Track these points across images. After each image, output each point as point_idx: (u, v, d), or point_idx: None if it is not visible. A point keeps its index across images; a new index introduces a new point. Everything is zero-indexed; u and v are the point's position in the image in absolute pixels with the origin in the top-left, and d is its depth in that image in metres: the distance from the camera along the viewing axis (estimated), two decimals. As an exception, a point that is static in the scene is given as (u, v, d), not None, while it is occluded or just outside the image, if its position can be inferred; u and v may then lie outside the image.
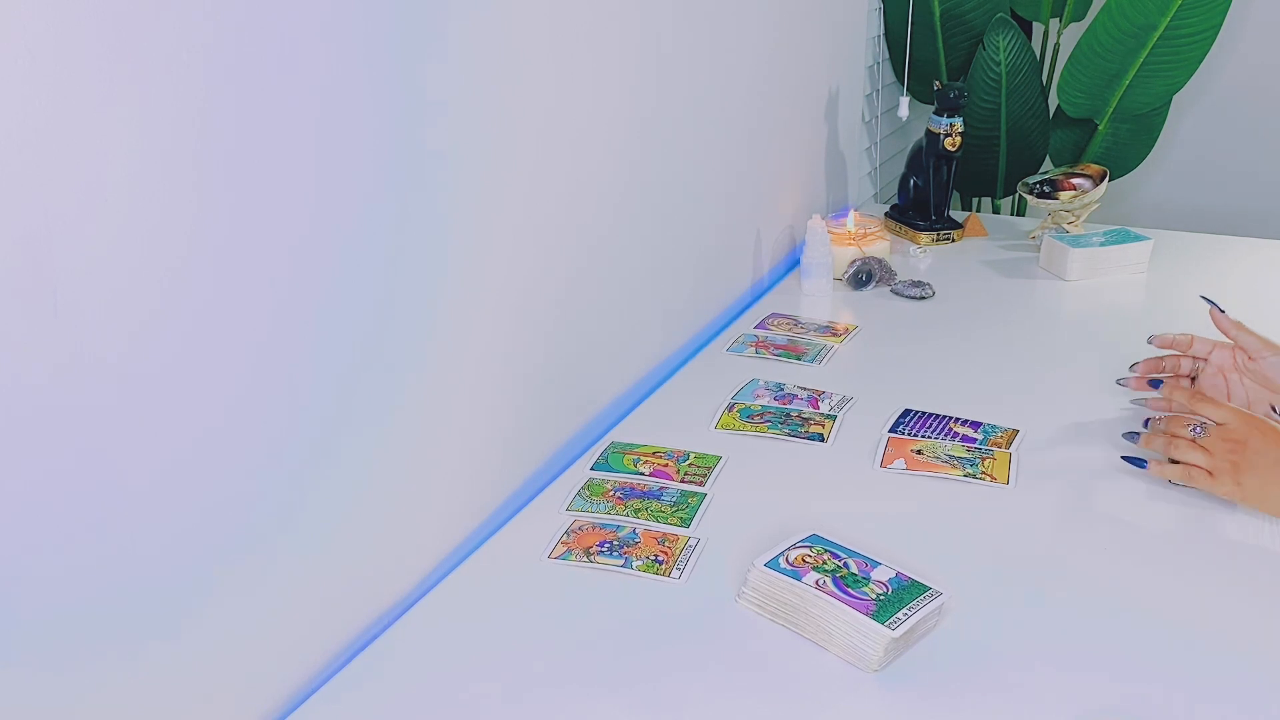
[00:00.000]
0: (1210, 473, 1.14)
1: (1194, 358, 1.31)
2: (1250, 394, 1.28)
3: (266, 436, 0.89)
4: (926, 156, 1.99)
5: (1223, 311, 1.30)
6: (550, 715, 0.92)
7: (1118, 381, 1.34)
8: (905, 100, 2.12)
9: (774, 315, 1.71)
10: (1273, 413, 1.21)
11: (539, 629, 1.02)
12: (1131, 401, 1.37)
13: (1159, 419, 1.21)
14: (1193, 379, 1.31)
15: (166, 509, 0.80)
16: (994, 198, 2.46)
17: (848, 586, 0.99)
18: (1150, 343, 1.34)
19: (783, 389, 1.45)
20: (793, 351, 1.58)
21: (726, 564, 1.09)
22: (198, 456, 0.82)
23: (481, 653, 0.99)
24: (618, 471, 1.26)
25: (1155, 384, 1.25)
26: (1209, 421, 1.15)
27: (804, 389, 1.45)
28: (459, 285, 1.09)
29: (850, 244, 1.85)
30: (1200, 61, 2.24)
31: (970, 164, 2.35)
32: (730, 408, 1.41)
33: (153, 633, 0.81)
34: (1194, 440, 1.15)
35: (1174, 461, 1.17)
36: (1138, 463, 1.19)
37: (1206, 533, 1.15)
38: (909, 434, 1.33)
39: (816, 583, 0.99)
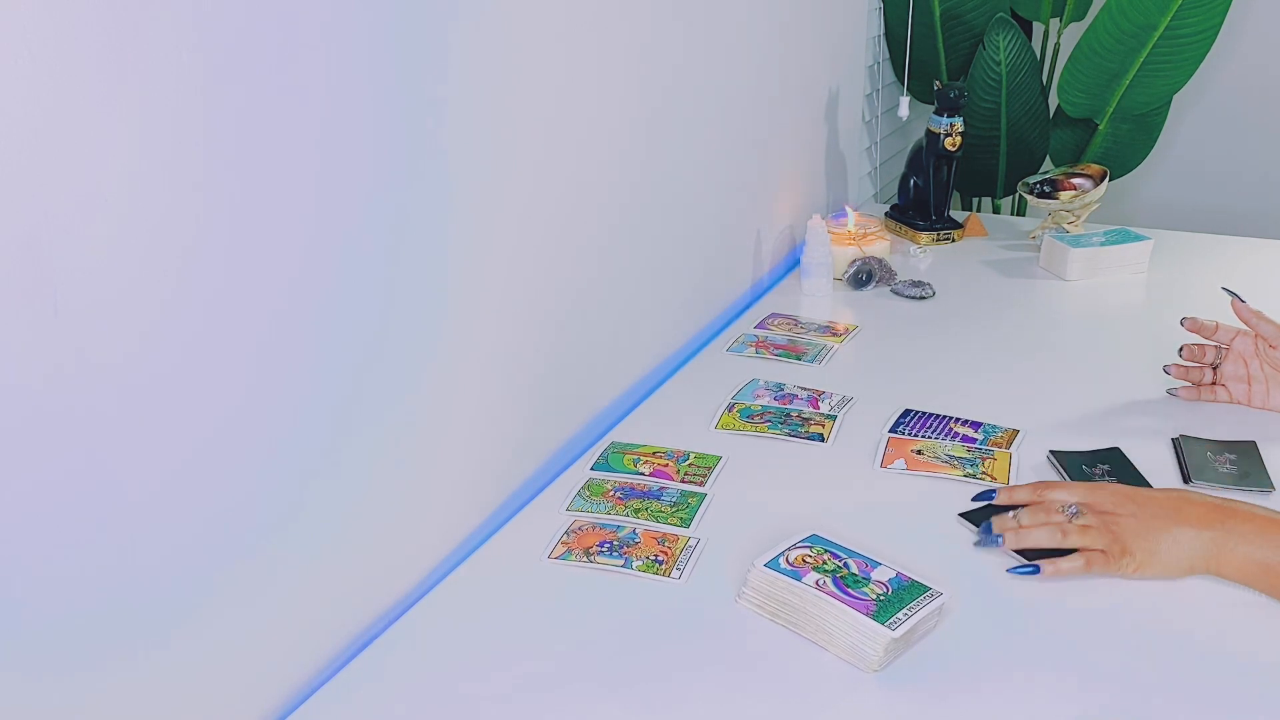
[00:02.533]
0: (1104, 551, 1.04)
1: (1218, 344, 1.39)
2: (1269, 380, 1.37)
3: (269, 437, 0.89)
4: (926, 156, 1.99)
5: (1243, 302, 1.36)
6: (550, 715, 0.92)
7: (1165, 369, 1.41)
8: (905, 100, 2.12)
9: (774, 315, 1.71)
10: None
11: (539, 629, 1.02)
12: (1168, 391, 1.42)
13: (1009, 516, 1.10)
14: (1215, 368, 1.40)
15: (168, 511, 0.80)
16: (994, 198, 2.46)
17: (848, 587, 0.99)
18: (1182, 324, 1.40)
19: (783, 389, 1.45)
20: (793, 351, 1.58)
21: (726, 564, 1.09)
22: (200, 457, 0.82)
23: (482, 653, 0.99)
24: (618, 471, 1.26)
25: (986, 495, 1.14)
26: (1073, 503, 1.07)
27: (804, 389, 1.45)
28: (460, 286, 1.09)
29: (850, 244, 1.85)
30: (1200, 61, 2.24)
31: (970, 164, 2.35)
32: (730, 408, 1.40)
33: (153, 633, 0.81)
34: (1076, 525, 1.06)
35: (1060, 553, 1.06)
36: (1029, 569, 1.05)
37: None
38: (909, 434, 1.33)
39: (816, 583, 0.99)
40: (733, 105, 1.64)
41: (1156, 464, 1.26)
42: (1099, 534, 1.05)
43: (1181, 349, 1.41)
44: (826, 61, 1.98)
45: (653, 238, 1.46)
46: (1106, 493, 1.08)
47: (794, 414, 1.39)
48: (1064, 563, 1.05)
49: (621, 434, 1.35)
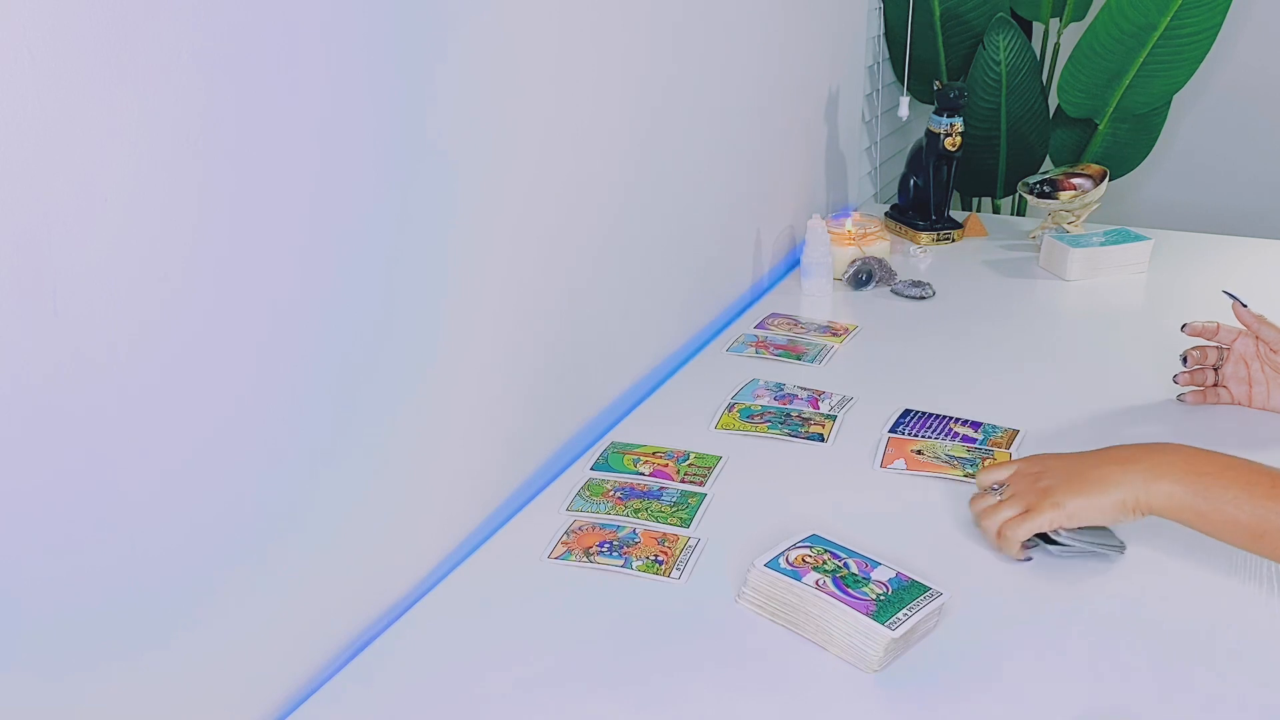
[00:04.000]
0: (1028, 510, 1.06)
1: (1219, 346, 1.39)
2: (1270, 381, 1.37)
3: (268, 437, 0.89)
4: (926, 156, 1.99)
5: (1245, 305, 1.36)
6: (550, 715, 0.92)
7: (1175, 378, 1.41)
8: (905, 100, 2.12)
9: (774, 315, 1.71)
10: None
11: (539, 629, 1.02)
12: (1178, 398, 1.41)
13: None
14: (1216, 369, 1.40)
15: (168, 511, 0.80)
16: (994, 198, 2.46)
17: (848, 586, 0.99)
18: (1183, 330, 1.39)
19: (783, 389, 1.45)
20: (793, 351, 1.58)
21: (726, 564, 1.09)
22: (200, 457, 0.82)
23: (481, 653, 0.99)
24: (618, 471, 1.26)
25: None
26: (999, 481, 1.11)
27: (804, 389, 1.45)
28: (460, 286, 1.09)
29: (850, 244, 1.85)
30: (1200, 61, 2.24)
31: (970, 164, 2.34)
32: (730, 408, 1.40)
33: (154, 634, 0.81)
34: (1001, 501, 1.09)
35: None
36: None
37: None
38: (909, 434, 1.33)
39: (816, 583, 0.99)
40: (732, 105, 1.64)
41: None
42: (1021, 497, 1.07)
43: (1185, 354, 1.41)
44: (826, 61, 1.98)
45: (652, 237, 1.46)
46: (1035, 460, 1.11)
47: (794, 414, 1.39)
48: (1004, 542, 1.07)
49: (621, 434, 1.35)
